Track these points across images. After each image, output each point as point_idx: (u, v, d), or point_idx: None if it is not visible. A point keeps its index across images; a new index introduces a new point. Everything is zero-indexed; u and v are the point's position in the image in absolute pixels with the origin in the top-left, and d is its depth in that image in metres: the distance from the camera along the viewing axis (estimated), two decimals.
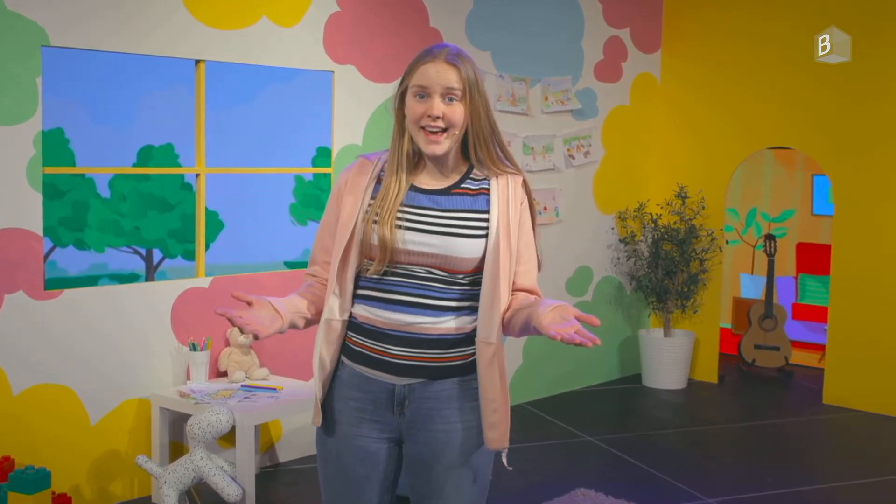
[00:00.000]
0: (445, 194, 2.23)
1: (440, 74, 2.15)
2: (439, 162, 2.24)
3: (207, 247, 4.73)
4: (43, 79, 3.99)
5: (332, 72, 5.01)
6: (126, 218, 8.10)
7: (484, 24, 5.75)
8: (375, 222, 2.18)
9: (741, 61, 6.53)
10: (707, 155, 6.73)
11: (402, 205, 2.20)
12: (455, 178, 2.26)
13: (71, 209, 7.75)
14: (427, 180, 2.25)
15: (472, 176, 2.26)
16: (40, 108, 3.98)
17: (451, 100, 2.16)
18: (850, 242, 6.10)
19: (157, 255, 8.30)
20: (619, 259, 6.74)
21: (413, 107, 2.18)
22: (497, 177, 2.25)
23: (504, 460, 2.32)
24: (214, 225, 7.90)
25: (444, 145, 2.18)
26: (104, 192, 7.87)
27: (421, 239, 2.18)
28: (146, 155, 7.86)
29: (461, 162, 2.27)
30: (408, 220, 2.19)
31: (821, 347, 7.06)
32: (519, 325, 2.20)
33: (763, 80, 6.43)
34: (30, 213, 3.99)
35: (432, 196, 2.23)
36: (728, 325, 7.64)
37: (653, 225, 6.64)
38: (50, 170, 4.17)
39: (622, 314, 6.87)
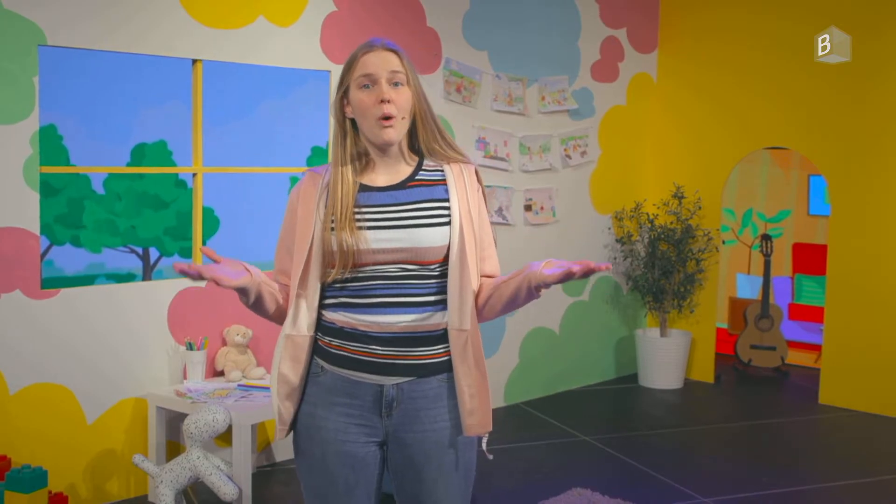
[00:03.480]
0: (402, 188, 2.21)
1: (384, 61, 2.17)
2: (390, 157, 2.23)
3: (204, 244, 4.73)
4: (40, 78, 3.99)
5: (329, 71, 5.01)
6: (121, 217, 8.08)
7: (481, 23, 5.76)
8: (333, 229, 2.15)
9: (738, 61, 6.54)
10: (704, 155, 6.73)
11: (359, 206, 2.17)
12: (408, 172, 2.25)
13: (66, 206, 7.73)
14: (380, 179, 2.23)
15: (424, 167, 2.26)
16: (37, 107, 3.98)
17: (396, 84, 2.17)
18: (845, 243, 6.11)
19: (153, 253, 8.29)
20: (615, 259, 6.74)
21: (361, 99, 2.17)
22: (449, 164, 2.26)
23: (483, 446, 2.29)
24: (210, 221, 7.90)
25: (397, 129, 2.18)
26: (99, 189, 7.85)
27: (386, 236, 2.15)
28: (139, 153, 7.85)
29: (410, 156, 2.27)
30: (368, 220, 2.16)
31: (817, 347, 7.07)
32: (505, 299, 2.17)
33: (760, 80, 6.44)
34: (26, 212, 3.99)
35: (389, 192, 2.20)
36: (724, 325, 7.65)
37: (649, 225, 6.65)
38: (47, 169, 4.17)
39: (619, 314, 6.88)
